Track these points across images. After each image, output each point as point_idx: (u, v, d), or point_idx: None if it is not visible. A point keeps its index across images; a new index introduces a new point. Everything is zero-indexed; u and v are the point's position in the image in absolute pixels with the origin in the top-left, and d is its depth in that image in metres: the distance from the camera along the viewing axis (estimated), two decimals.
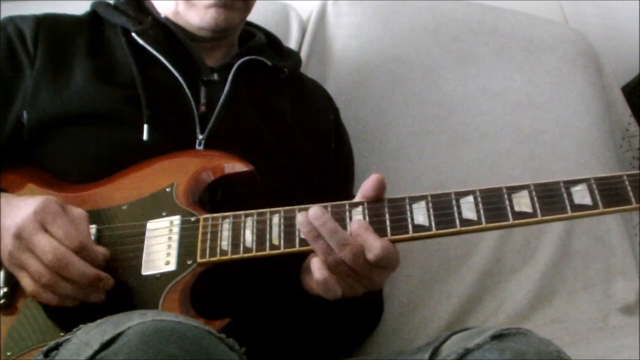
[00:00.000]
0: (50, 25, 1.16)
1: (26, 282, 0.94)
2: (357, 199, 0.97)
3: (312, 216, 0.93)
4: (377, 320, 1.25)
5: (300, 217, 0.93)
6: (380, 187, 0.96)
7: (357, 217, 0.95)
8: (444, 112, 1.59)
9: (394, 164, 1.52)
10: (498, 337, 0.86)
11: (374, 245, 0.91)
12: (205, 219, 1.00)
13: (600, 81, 1.75)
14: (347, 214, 0.96)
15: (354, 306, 1.01)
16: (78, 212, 0.98)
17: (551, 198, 0.92)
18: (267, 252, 0.96)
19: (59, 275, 0.92)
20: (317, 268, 0.93)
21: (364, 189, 0.96)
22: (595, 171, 1.58)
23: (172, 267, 0.97)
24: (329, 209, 0.96)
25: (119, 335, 0.75)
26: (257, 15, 1.36)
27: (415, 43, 1.62)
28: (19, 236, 0.93)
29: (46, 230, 0.94)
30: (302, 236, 0.94)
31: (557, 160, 1.60)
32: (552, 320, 1.46)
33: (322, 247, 0.92)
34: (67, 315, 0.95)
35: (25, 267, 0.94)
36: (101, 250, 0.97)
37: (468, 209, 0.93)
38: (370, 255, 0.91)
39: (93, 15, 1.22)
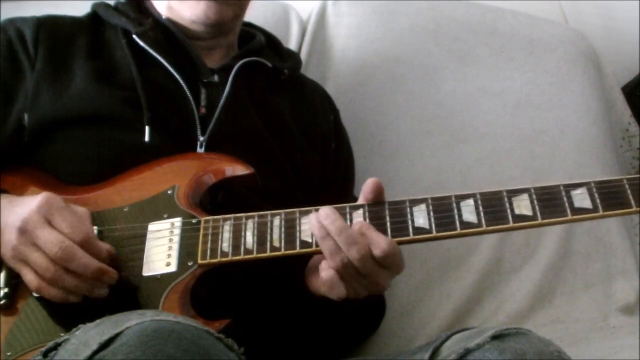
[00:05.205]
0: (51, 27, 1.16)
1: (30, 278, 0.94)
2: (359, 202, 0.98)
3: (322, 215, 0.93)
4: (378, 322, 1.25)
5: (311, 218, 0.94)
6: (377, 190, 0.97)
7: (358, 220, 0.95)
8: (444, 112, 1.59)
9: (394, 164, 1.52)
10: (498, 337, 0.86)
11: (380, 242, 0.92)
12: (206, 221, 1.00)
13: (600, 81, 1.75)
14: (348, 216, 0.96)
15: (355, 308, 1.01)
16: (81, 209, 0.99)
17: (551, 201, 0.92)
18: (268, 253, 0.96)
19: (64, 268, 0.92)
20: (324, 267, 0.94)
21: (363, 192, 0.98)
22: (595, 171, 1.59)
23: (172, 268, 0.98)
24: None
25: (118, 335, 0.75)
26: (257, 15, 1.36)
27: (415, 43, 1.62)
28: (23, 230, 0.93)
29: (51, 224, 0.94)
30: (314, 236, 0.94)
31: (557, 160, 1.60)
32: (552, 320, 1.46)
33: (330, 247, 0.92)
34: (67, 315, 0.95)
35: (29, 262, 0.94)
36: (105, 246, 0.97)
37: (468, 211, 0.93)
38: (377, 252, 0.92)
39: (93, 17, 1.22)
